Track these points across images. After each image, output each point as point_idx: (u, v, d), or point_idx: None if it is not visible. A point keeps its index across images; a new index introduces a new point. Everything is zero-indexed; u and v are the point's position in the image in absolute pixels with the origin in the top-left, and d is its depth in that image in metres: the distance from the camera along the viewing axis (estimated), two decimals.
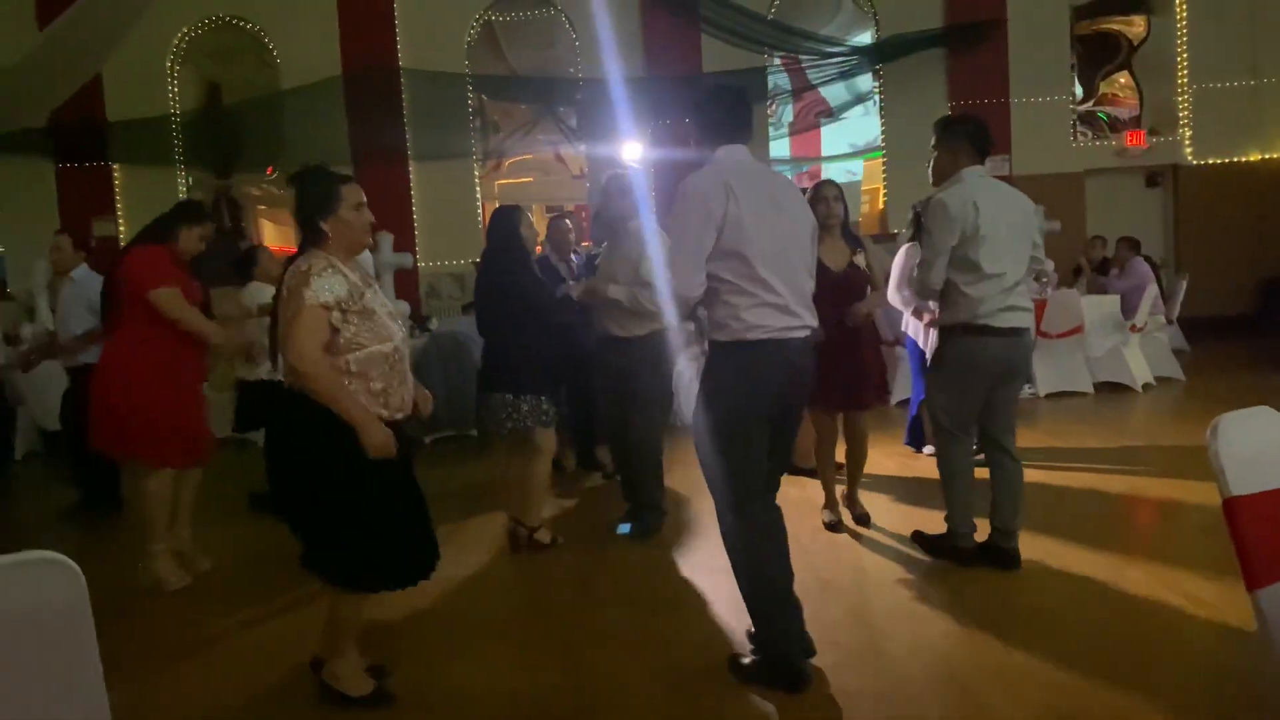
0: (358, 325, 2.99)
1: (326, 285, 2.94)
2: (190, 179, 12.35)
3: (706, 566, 4.45)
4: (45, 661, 1.65)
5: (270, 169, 13.03)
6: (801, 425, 5.79)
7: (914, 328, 6.41)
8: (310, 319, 2.91)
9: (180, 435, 4.57)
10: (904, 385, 7.53)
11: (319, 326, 2.92)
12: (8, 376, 7.68)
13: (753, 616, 3.28)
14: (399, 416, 3.10)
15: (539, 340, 4.74)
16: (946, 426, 4.29)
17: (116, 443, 4.55)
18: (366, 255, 6.18)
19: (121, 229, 12.00)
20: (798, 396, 3.30)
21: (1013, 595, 3.97)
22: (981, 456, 4.40)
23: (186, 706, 3.42)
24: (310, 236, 3.10)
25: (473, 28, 12.30)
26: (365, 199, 3.14)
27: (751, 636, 3.36)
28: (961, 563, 4.29)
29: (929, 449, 6.47)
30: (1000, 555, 4.26)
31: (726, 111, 3.33)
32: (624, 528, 5.13)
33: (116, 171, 12.12)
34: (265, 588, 4.52)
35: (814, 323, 3.27)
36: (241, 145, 12.45)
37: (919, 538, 4.58)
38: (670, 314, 4.48)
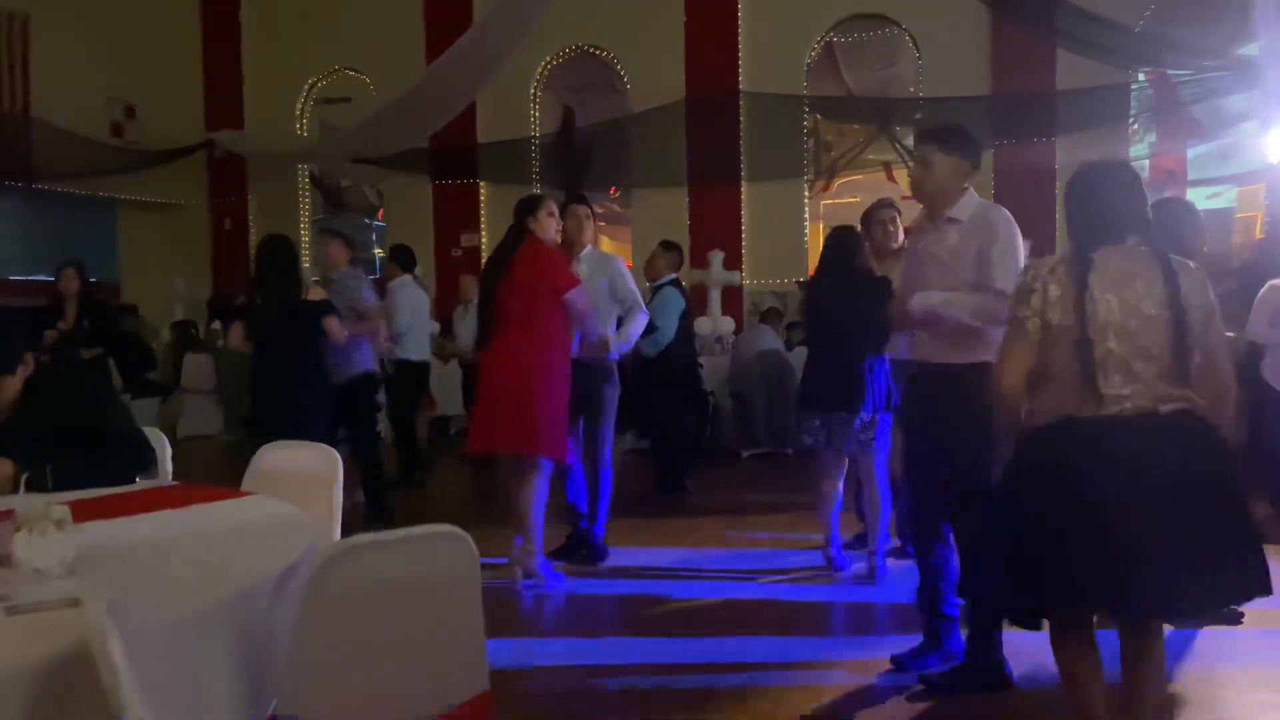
0: None
1: None
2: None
3: None
4: (441, 619, 1.87)
5: (613, 189, 13.84)
6: None
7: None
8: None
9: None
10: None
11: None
12: None
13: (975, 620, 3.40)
14: None
15: (872, 359, 4.82)
16: None
17: (529, 439, 4.68)
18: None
19: (484, 241, 13.27)
20: None
21: None
22: None
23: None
24: None
25: (813, 50, 12.38)
26: None
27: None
28: None
29: None
30: None
31: None
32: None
33: (482, 189, 13.42)
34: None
35: None
36: (589, 166, 13.34)
37: None
38: None
